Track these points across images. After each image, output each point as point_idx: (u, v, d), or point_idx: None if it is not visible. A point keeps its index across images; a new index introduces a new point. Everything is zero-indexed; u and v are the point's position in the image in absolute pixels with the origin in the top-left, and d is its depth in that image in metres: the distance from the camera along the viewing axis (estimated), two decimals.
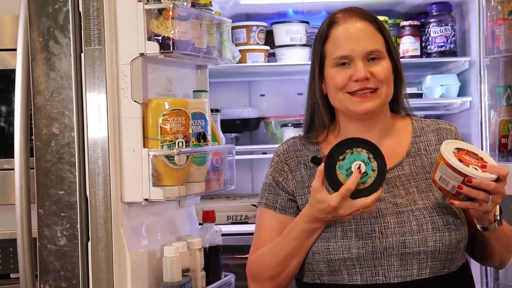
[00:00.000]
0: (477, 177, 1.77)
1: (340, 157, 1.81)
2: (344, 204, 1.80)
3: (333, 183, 1.81)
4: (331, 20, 2.00)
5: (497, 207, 1.87)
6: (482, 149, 3.20)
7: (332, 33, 1.98)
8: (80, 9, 1.94)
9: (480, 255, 2.03)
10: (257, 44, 3.49)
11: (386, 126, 2.02)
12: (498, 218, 1.87)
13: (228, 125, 3.41)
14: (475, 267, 2.28)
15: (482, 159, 1.83)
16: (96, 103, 1.94)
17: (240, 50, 3.44)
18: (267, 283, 1.98)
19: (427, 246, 1.87)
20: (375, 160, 1.81)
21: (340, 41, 1.96)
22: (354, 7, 2.02)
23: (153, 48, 1.94)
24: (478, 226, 1.90)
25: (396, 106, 2.06)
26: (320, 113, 2.04)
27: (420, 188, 1.94)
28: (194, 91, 2.25)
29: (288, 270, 1.95)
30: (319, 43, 2.00)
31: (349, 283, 1.90)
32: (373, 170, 1.80)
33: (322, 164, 1.84)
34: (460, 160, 1.80)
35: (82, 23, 1.94)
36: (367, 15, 1.99)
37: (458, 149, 1.84)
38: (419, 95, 3.45)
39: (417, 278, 1.88)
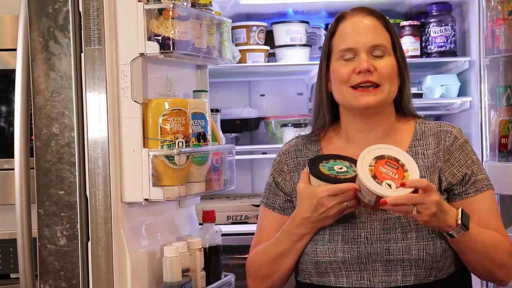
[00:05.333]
0: (391, 196, 1.74)
1: (324, 161, 1.91)
2: (333, 197, 1.83)
3: (316, 172, 1.87)
4: (339, 16, 2.02)
5: (459, 211, 1.83)
6: (482, 149, 3.20)
7: (339, 27, 1.99)
8: (80, 9, 1.94)
9: (468, 268, 1.97)
10: (257, 44, 3.49)
11: (389, 127, 2.01)
12: (460, 223, 1.82)
13: (228, 125, 3.41)
14: None
15: (403, 166, 1.80)
16: (96, 103, 1.94)
17: (240, 50, 3.43)
18: (261, 282, 2.01)
19: (410, 254, 1.87)
20: (356, 167, 1.87)
21: (346, 34, 1.97)
22: (363, 6, 2.03)
23: (153, 48, 1.94)
24: (444, 233, 1.86)
25: (401, 107, 2.05)
26: (324, 110, 2.04)
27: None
28: (194, 91, 2.25)
29: (280, 272, 1.98)
30: (327, 39, 2.02)
31: (336, 285, 1.92)
32: (354, 171, 1.87)
33: (306, 168, 1.91)
34: (375, 176, 1.78)
35: (82, 23, 1.94)
36: (375, 11, 2.00)
37: (378, 158, 1.81)
38: (419, 95, 3.45)
39: (401, 284, 1.88)
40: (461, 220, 1.82)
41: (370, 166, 1.80)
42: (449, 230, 1.82)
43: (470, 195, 1.96)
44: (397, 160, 1.81)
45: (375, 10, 2.02)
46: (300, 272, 1.99)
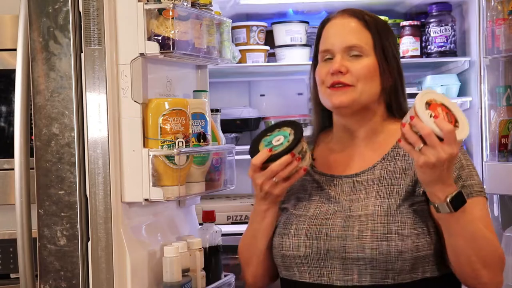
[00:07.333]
0: (422, 119, 1.70)
1: (268, 133, 1.94)
2: (258, 174, 1.89)
3: (253, 153, 1.92)
4: (325, 19, 2.04)
5: (456, 191, 1.76)
6: (482, 149, 3.20)
7: (323, 30, 2.02)
8: (80, 9, 1.94)
9: (451, 260, 1.87)
10: (257, 44, 3.49)
11: (374, 128, 1.99)
12: (448, 200, 1.75)
13: (228, 125, 3.41)
14: None
15: (455, 120, 1.75)
16: (96, 103, 1.94)
17: (240, 50, 3.44)
18: (246, 268, 2.06)
19: (364, 253, 1.83)
20: (294, 134, 1.89)
21: (326, 36, 1.99)
22: (349, 8, 2.02)
23: (153, 48, 1.94)
24: (432, 206, 1.80)
25: (394, 108, 2.02)
26: (315, 112, 2.06)
27: (379, 194, 1.90)
28: (194, 91, 2.25)
29: (256, 256, 2.00)
30: (315, 41, 2.05)
31: (300, 280, 1.93)
32: (288, 142, 1.89)
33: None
34: (428, 104, 1.73)
35: (82, 23, 1.94)
36: (357, 12, 1.99)
37: (443, 104, 1.76)
38: None
39: (357, 284, 1.85)
40: (451, 200, 1.76)
41: (431, 99, 1.76)
42: (436, 201, 1.78)
43: None
44: (456, 119, 1.77)
45: (359, 10, 2.00)
46: (277, 267, 2.02)
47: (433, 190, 1.78)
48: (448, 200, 1.76)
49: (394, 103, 2.01)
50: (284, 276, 1.97)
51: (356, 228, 1.86)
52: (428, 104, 1.75)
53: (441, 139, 1.71)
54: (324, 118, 2.07)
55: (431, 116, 1.72)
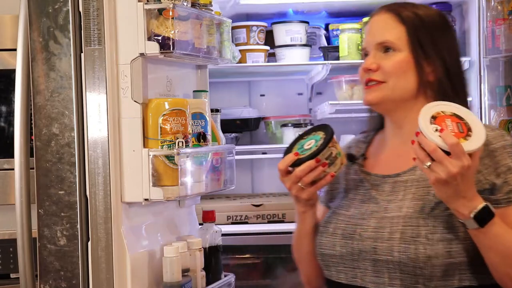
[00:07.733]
0: (426, 135, 1.65)
1: (305, 136, 1.94)
2: (285, 178, 1.88)
3: (287, 153, 1.92)
4: (369, 17, 2.01)
5: (480, 206, 1.69)
6: None
7: (366, 28, 2.00)
8: (80, 9, 1.94)
9: (491, 273, 1.78)
10: (257, 44, 3.49)
11: (416, 125, 1.80)
12: (472, 216, 1.68)
13: (228, 125, 3.41)
14: None
15: (468, 130, 1.69)
16: (96, 103, 1.94)
17: (240, 50, 3.44)
18: (299, 267, 2.06)
19: (393, 256, 1.78)
20: (323, 139, 1.88)
21: (366, 34, 1.98)
22: (387, 4, 1.97)
23: (153, 48, 1.94)
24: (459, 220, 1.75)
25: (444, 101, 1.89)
26: (371, 111, 2.05)
27: (416, 195, 1.83)
28: (194, 91, 2.25)
29: (303, 257, 2.01)
30: None
31: (337, 280, 1.91)
32: (316, 146, 1.87)
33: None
34: (434, 118, 1.69)
35: (82, 23, 1.94)
36: (393, 8, 1.94)
37: (455, 115, 1.71)
38: None
39: (388, 287, 1.81)
40: (476, 215, 1.69)
41: (440, 112, 1.71)
42: (461, 218, 1.72)
43: (501, 205, 1.77)
44: (468, 128, 1.70)
45: (397, 4, 1.94)
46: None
47: (455, 207, 1.71)
48: (472, 216, 1.69)
49: (441, 99, 1.84)
50: (326, 275, 1.95)
51: (387, 230, 1.81)
52: (434, 118, 1.70)
53: (449, 153, 1.65)
54: (378, 117, 2.03)
55: (436, 130, 1.67)
